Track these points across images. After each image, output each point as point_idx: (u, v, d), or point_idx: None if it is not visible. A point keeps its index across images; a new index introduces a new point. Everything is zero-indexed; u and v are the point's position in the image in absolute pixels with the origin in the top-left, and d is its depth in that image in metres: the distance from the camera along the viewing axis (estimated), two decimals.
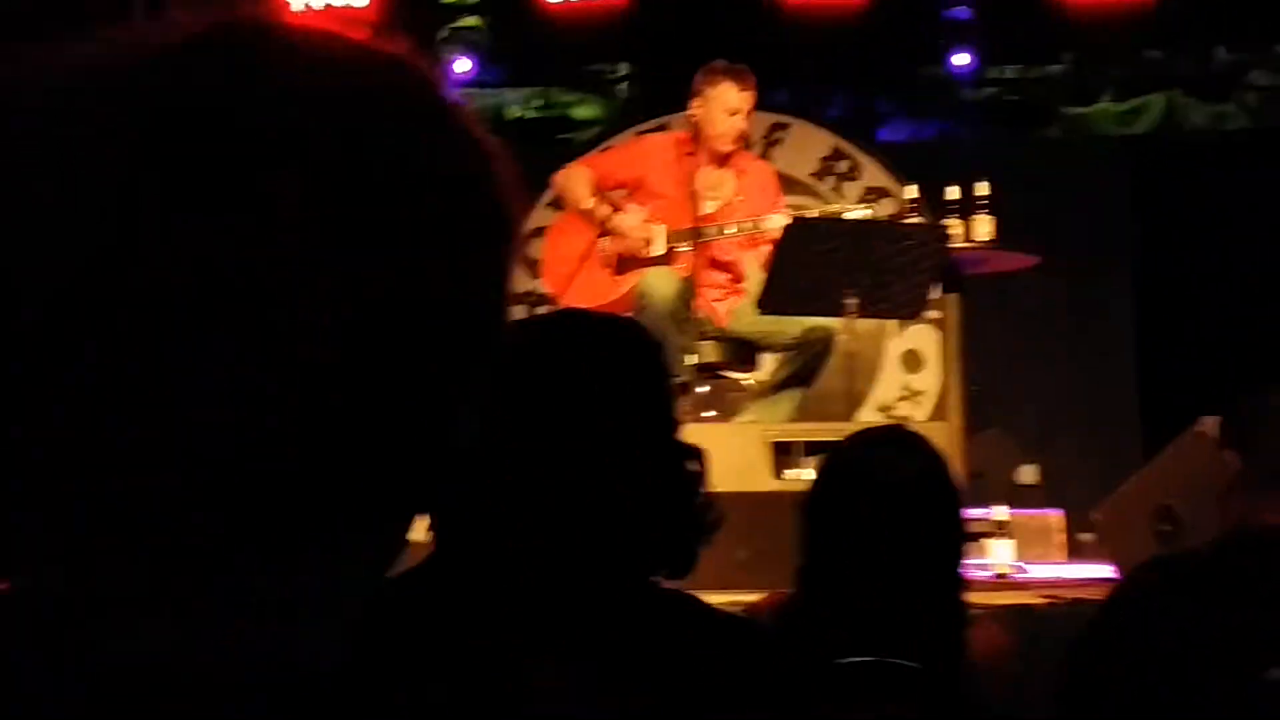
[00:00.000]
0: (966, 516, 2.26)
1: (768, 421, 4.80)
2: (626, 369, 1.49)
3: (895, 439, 2.30)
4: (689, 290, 4.92)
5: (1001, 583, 4.16)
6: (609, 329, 1.55)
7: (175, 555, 0.61)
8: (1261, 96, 7.01)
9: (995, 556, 4.28)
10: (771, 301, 4.79)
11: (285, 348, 0.61)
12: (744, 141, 5.20)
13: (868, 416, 6.24)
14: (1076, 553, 5.02)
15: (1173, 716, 2.05)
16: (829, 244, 4.66)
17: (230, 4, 0.66)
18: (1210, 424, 2.48)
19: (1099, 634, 2.21)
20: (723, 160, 5.13)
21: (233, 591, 0.62)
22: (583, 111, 7.18)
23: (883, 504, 2.11)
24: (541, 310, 5.02)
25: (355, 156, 0.63)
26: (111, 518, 0.61)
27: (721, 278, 5.19)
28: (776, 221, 4.89)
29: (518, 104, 7.19)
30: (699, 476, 1.49)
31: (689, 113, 5.13)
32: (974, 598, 3.50)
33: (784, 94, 7.05)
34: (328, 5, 6.47)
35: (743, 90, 5.02)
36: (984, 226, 4.97)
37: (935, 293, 5.03)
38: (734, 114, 5.02)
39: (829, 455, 2.26)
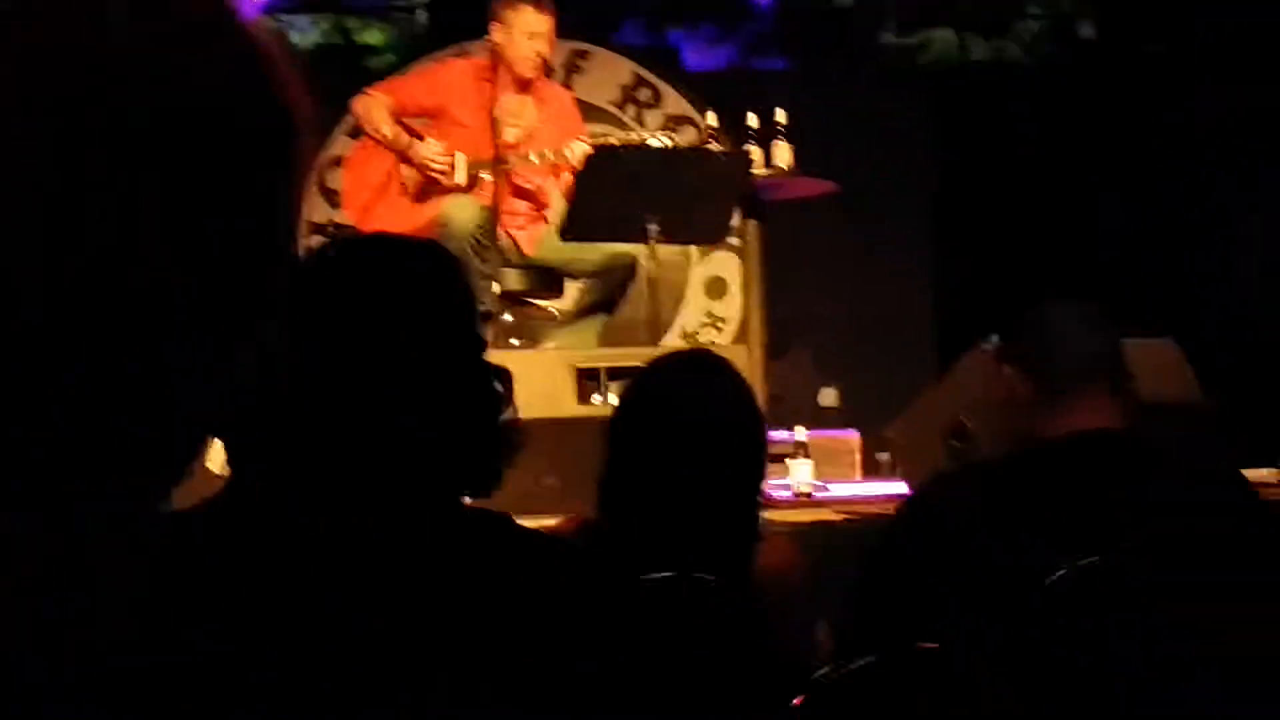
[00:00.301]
0: (767, 438, 2.32)
1: (572, 348, 4.82)
2: (427, 288, 1.49)
3: (698, 362, 2.35)
4: (491, 218, 4.90)
5: (801, 501, 4.27)
6: (408, 249, 1.55)
7: None
8: (1037, 30, 7.24)
9: (795, 476, 4.38)
10: (574, 228, 4.81)
11: (71, 255, 0.60)
12: (545, 68, 5.18)
13: (672, 343, 6.31)
14: (874, 472, 5.18)
15: (961, 623, 2.13)
16: (631, 171, 4.69)
17: None
18: (995, 342, 2.58)
19: (889, 544, 2.28)
20: (524, 87, 5.10)
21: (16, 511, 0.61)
22: (375, 38, 7.07)
23: (684, 423, 2.15)
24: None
25: (134, 68, 0.62)
26: None
27: (524, 205, 5.18)
28: (578, 149, 4.90)
29: (310, 30, 7.05)
30: (502, 396, 1.50)
31: (489, 38, 5.09)
32: (774, 516, 3.62)
33: (583, 22, 7.03)
34: None
35: (541, 14, 5.00)
36: (783, 154, 5.05)
37: (736, 220, 5.10)
38: (534, 38, 4.99)
39: (633, 378, 2.30)
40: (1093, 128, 6.70)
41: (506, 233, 5.04)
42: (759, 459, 2.27)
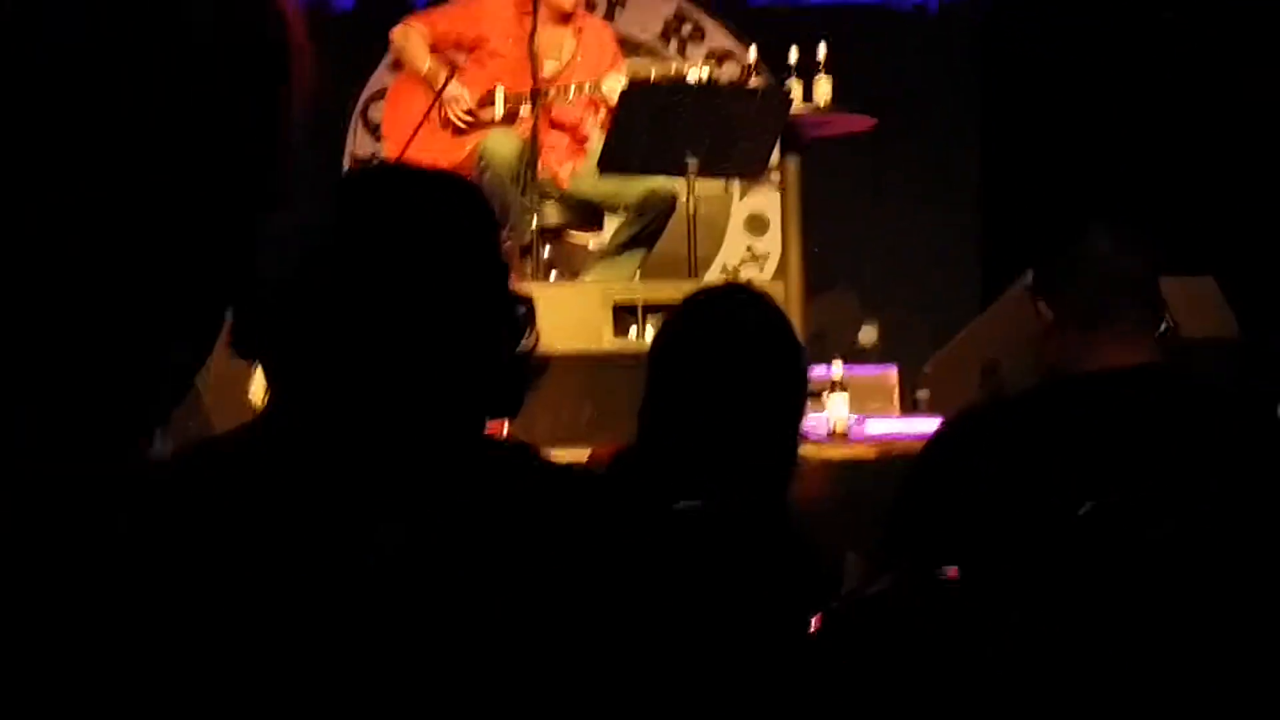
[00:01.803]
0: (806, 371, 2.32)
1: (611, 282, 4.83)
2: (446, 217, 1.51)
3: (736, 294, 2.35)
4: (530, 152, 4.90)
5: (836, 437, 4.28)
6: (428, 179, 1.57)
7: None
8: None
9: (831, 412, 4.39)
10: (612, 162, 4.80)
11: (73, 181, 0.62)
12: (586, 2, 5.16)
13: (712, 279, 6.31)
14: (912, 409, 5.17)
15: (989, 555, 2.15)
16: (669, 105, 4.68)
17: None
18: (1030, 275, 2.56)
19: (917, 475, 2.29)
20: (563, 19, 5.09)
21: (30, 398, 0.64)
22: None
23: (723, 355, 2.16)
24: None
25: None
26: None
27: (563, 139, 5.17)
28: (616, 82, 4.89)
29: None
30: (525, 323, 1.52)
31: None
32: (809, 451, 3.64)
33: None
34: None
35: None
36: (824, 89, 5.02)
37: (776, 155, 5.08)
38: None
39: (674, 309, 2.30)
40: (1143, 57, 6.60)
41: (546, 166, 5.04)
42: (798, 392, 2.27)
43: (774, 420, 2.21)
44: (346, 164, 6.79)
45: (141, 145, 0.65)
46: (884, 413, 4.98)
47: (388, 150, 5.39)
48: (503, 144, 4.91)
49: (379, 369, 1.45)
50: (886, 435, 4.33)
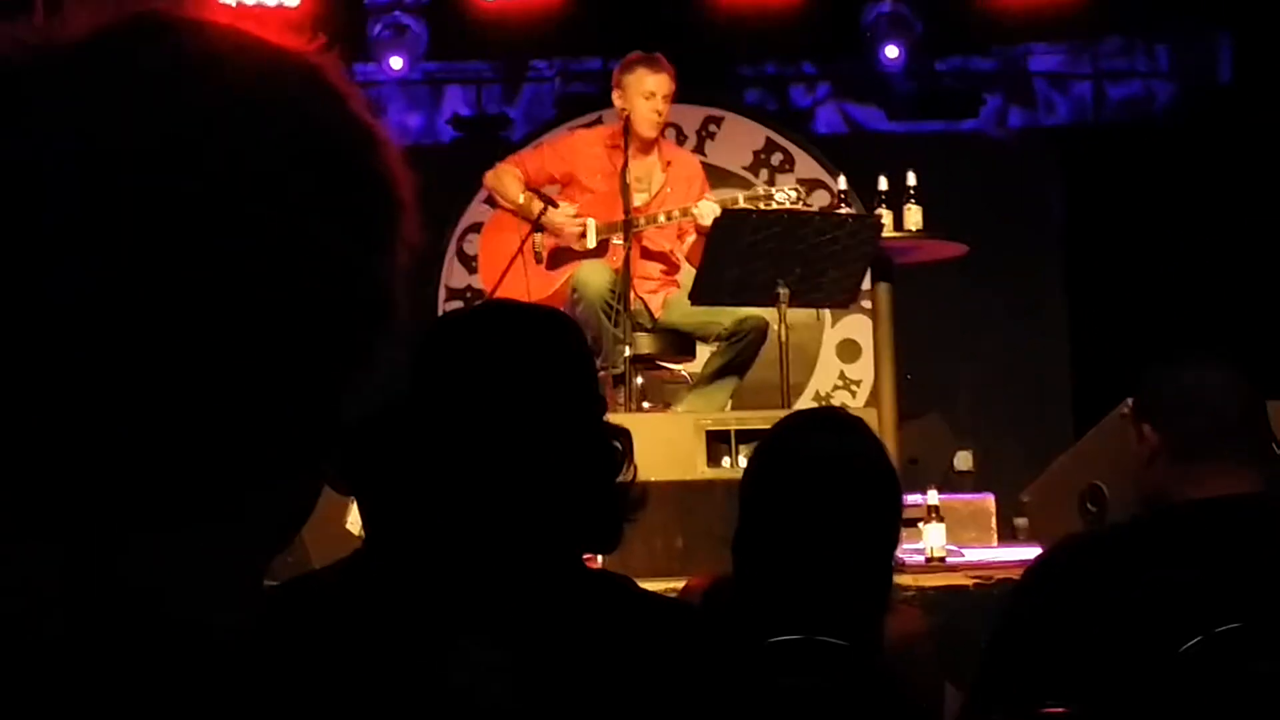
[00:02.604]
0: (902, 499, 2.28)
1: (704, 411, 4.84)
2: (547, 353, 1.53)
3: (831, 420, 2.32)
4: (623, 283, 4.95)
5: (933, 565, 4.22)
6: (528, 315, 1.59)
7: (64, 529, 0.64)
8: (1182, 87, 7.14)
9: (928, 540, 4.33)
10: (704, 292, 4.84)
11: (171, 317, 0.64)
12: (664, 127, 5.22)
13: (804, 405, 6.30)
14: (1009, 537, 5.10)
15: (1091, 692, 2.10)
16: (760, 235, 4.71)
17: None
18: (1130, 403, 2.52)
19: (1017, 606, 2.25)
20: (649, 149, 5.16)
21: (126, 552, 0.65)
22: (514, 109, 7.21)
23: (817, 483, 2.12)
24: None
25: (247, 145, 0.66)
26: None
27: (655, 269, 5.23)
28: (706, 209, 4.94)
29: (456, 100, 7.21)
30: (622, 455, 1.52)
31: (614, 107, 5.17)
32: (906, 580, 3.59)
33: (718, 89, 7.11)
34: (259, 4, 6.45)
35: (656, 74, 5.07)
36: (914, 216, 5.04)
37: (867, 283, 5.09)
38: (650, 98, 5.06)
39: (766, 436, 2.28)
40: (1229, 181, 6.57)
41: (638, 296, 5.09)
42: (893, 521, 2.23)
43: (869, 550, 2.17)
44: (441, 295, 6.90)
45: (256, 303, 0.66)
46: (981, 542, 4.92)
47: (482, 282, 5.47)
48: (595, 275, 4.97)
49: (476, 503, 1.46)
50: (983, 563, 4.26)
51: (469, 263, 6.77)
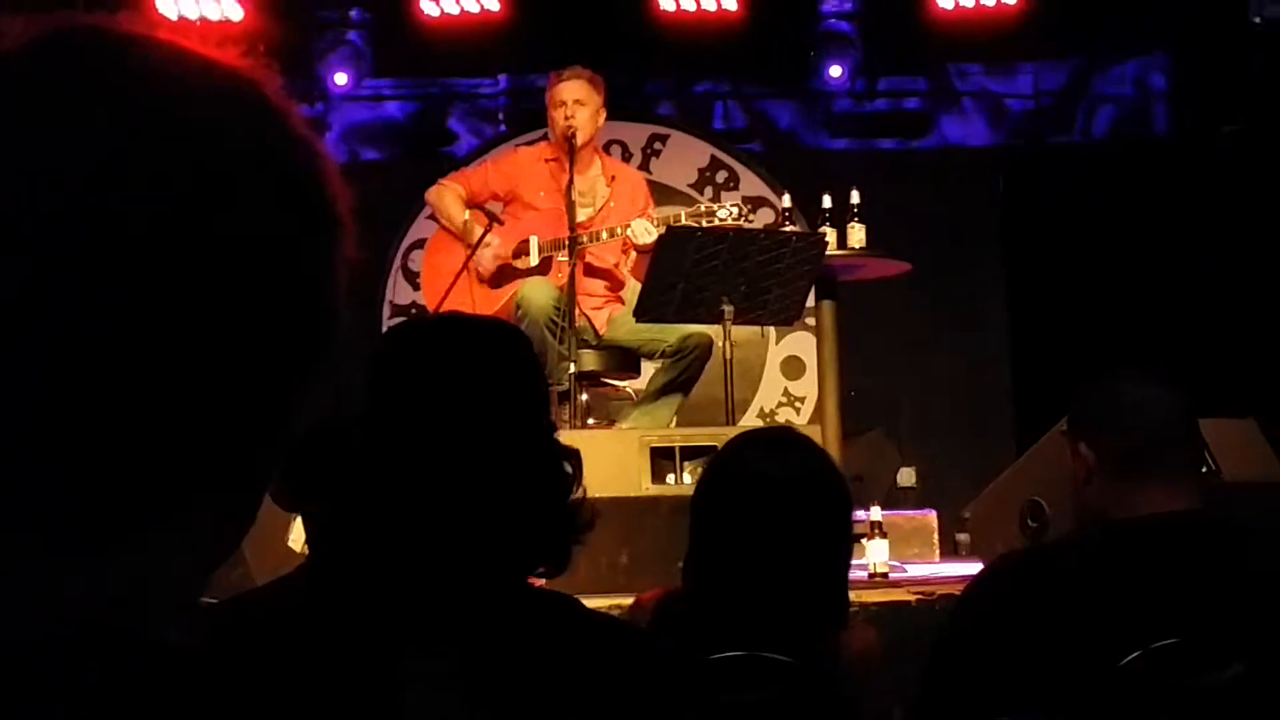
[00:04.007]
0: (852, 516, 2.28)
1: (648, 428, 4.84)
2: (499, 370, 1.52)
3: (783, 439, 2.32)
4: (567, 299, 4.96)
5: (877, 581, 4.25)
6: (477, 330, 1.58)
7: (11, 537, 0.64)
8: (1117, 109, 7.24)
9: (871, 556, 4.36)
10: (648, 309, 4.85)
11: (114, 331, 0.64)
12: (591, 138, 5.18)
13: (749, 423, 6.32)
14: (952, 552, 5.13)
15: (1028, 704, 2.11)
16: (704, 252, 4.73)
17: (102, 8, 0.70)
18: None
19: (956, 623, 2.26)
20: (591, 164, 5.17)
21: (69, 567, 0.65)
22: (459, 124, 7.21)
23: (767, 500, 2.12)
24: None
25: (181, 160, 0.67)
26: None
27: (599, 285, 5.23)
28: (639, 228, 4.95)
29: (398, 114, 7.20)
30: (572, 476, 1.52)
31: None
32: (850, 595, 3.59)
33: (665, 105, 7.14)
34: (202, 19, 6.42)
35: (561, 82, 5.09)
36: (858, 235, 5.07)
37: (811, 300, 5.12)
38: (559, 106, 5.06)
39: (717, 454, 2.27)
40: (1167, 198, 6.67)
41: (583, 313, 5.09)
42: (845, 538, 2.23)
43: (822, 567, 2.17)
44: (386, 311, 6.88)
45: (194, 318, 0.67)
46: (924, 558, 4.95)
47: (425, 300, 5.46)
48: (539, 292, 4.96)
49: (425, 520, 1.45)
50: (926, 578, 4.29)
51: (413, 279, 6.76)
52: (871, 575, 4.28)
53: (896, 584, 4.21)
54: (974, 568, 4.16)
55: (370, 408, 1.48)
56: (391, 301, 6.93)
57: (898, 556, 4.58)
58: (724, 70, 7.17)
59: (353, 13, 6.91)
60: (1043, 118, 7.23)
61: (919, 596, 3.83)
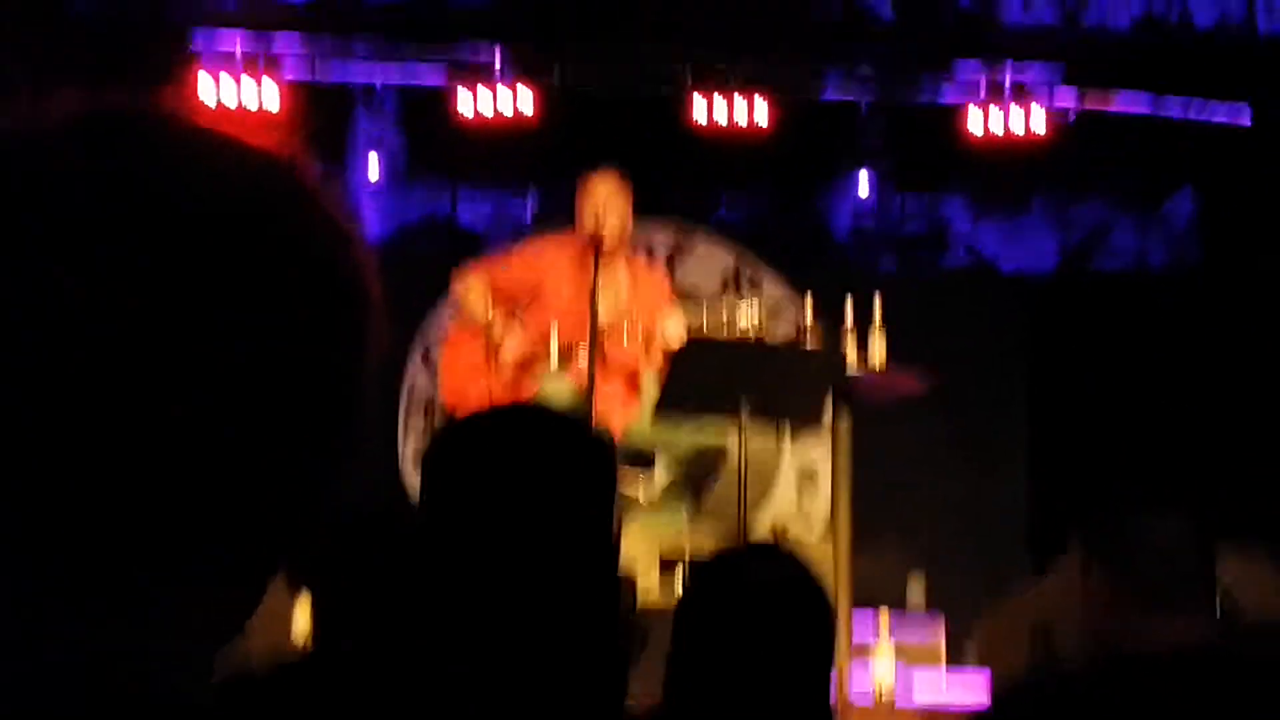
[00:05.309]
0: (833, 636, 2.25)
1: (658, 532, 4.83)
2: (571, 480, 1.40)
3: (766, 553, 2.30)
4: (586, 400, 4.95)
5: (881, 706, 4.19)
6: (556, 429, 1.44)
7: (21, 607, 0.65)
8: (1142, 244, 7.28)
9: (878, 670, 4.31)
10: (665, 404, 4.83)
11: (141, 403, 0.65)
12: (620, 240, 5.20)
13: (760, 531, 6.29)
14: (958, 660, 5.09)
15: None
16: (724, 361, 4.74)
17: (144, 92, 0.72)
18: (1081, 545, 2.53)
19: None
20: (616, 263, 5.18)
21: (83, 637, 0.65)
22: (486, 221, 7.27)
23: (748, 614, 2.11)
24: (440, 419, 5.03)
25: (218, 241, 0.68)
26: None
27: (619, 387, 5.23)
28: (672, 328, 4.96)
29: (430, 210, 7.27)
30: (629, 608, 1.43)
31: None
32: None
33: (692, 210, 7.21)
34: (240, 107, 6.51)
35: (601, 185, 5.10)
36: (878, 351, 5.08)
37: (828, 413, 5.12)
38: (596, 210, 5.07)
39: (700, 567, 2.25)
40: (1190, 329, 6.68)
41: (600, 415, 5.08)
42: (824, 653, 2.20)
43: (800, 684, 2.14)
44: (403, 399, 6.90)
45: (227, 399, 0.67)
46: (931, 664, 4.90)
47: (444, 396, 5.46)
48: (559, 392, 4.97)
49: (464, 634, 1.35)
50: (933, 705, 4.24)
51: (435, 374, 6.78)
52: (877, 701, 4.23)
53: (902, 712, 4.15)
54: (978, 677, 4.13)
55: (426, 501, 1.39)
56: (410, 387, 6.95)
57: (905, 663, 4.53)
58: (752, 177, 7.23)
59: (387, 106, 7.00)
60: (1070, 246, 7.26)
61: None
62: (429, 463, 1.42)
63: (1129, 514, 2.34)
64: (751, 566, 2.17)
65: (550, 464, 1.42)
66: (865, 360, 5.06)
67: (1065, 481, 6.49)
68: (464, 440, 1.48)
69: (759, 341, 4.89)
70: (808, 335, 5.24)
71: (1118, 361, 6.80)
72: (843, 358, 4.97)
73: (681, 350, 4.82)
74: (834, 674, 2.21)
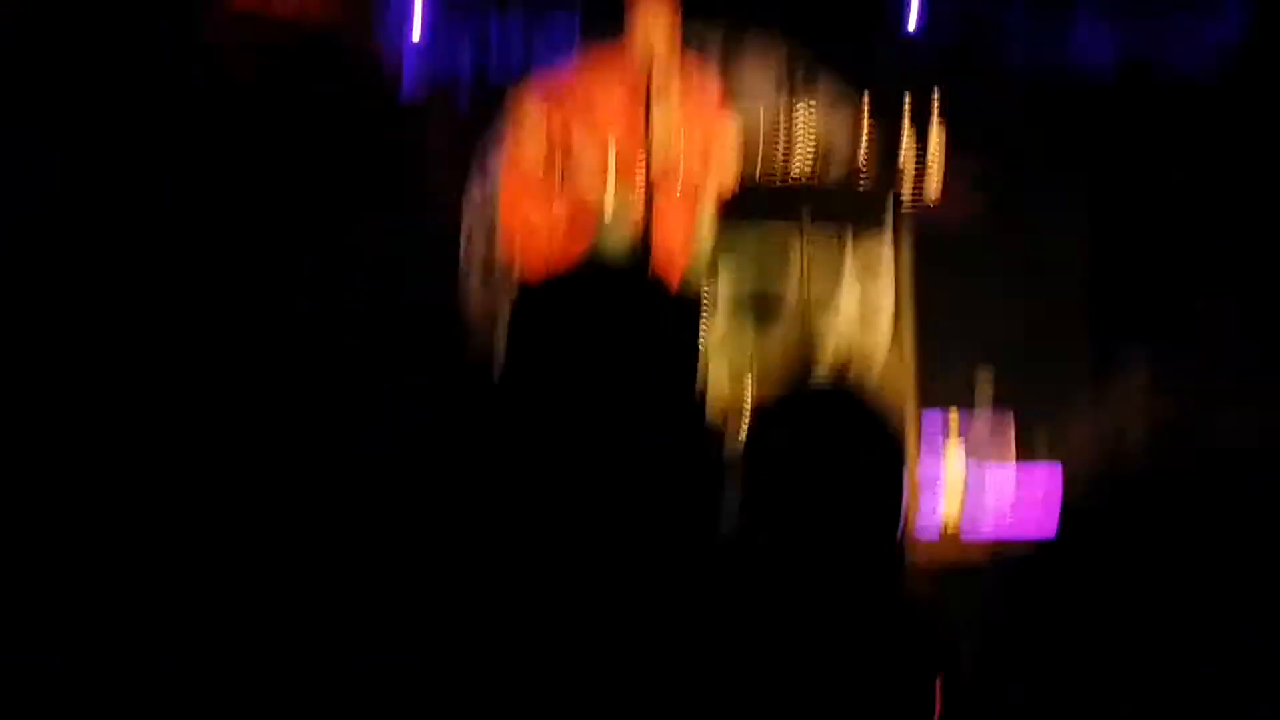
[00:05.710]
0: (904, 479, 2.27)
1: (725, 351, 4.90)
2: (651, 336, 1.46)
3: (836, 393, 2.30)
4: (644, 221, 4.96)
5: (948, 538, 4.28)
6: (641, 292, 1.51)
7: None
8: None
9: (948, 480, 4.40)
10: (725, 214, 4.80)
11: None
12: (671, 49, 5.14)
13: (826, 340, 6.34)
14: (1028, 457, 5.18)
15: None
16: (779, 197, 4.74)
17: None
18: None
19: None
20: (664, 76, 5.12)
21: None
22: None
23: (815, 464, 2.13)
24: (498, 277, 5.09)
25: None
26: None
27: (677, 203, 5.20)
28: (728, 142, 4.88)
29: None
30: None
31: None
32: (920, 553, 3.64)
33: (741, 8, 7.06)
34: None
35: (652, 7, 5.02)
36: (933, 180, 5.05)
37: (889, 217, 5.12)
38: (646, 22, 5.02)
39: (764, 406, 2.26)
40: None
41: (658, 263, 5.09)
42: (895, 495, 2.24)
43: (871, 526, 2.21)
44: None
45: None
46: (1001, 458, 5.00)
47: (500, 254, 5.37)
48: (616, 243, 4.97)
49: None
50: (998, 535, 4.33)
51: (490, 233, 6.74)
52: (942, 534, 4.33)
53: (967, 546, 4.24)
54: (1051, 471, 4.18)
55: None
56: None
57: (975, 458, 4.63)
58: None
59: None
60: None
61: (991, 556, 3.87)
62: (514, 326, 1.45)
63: (1199, 307, 2.27)
64: (819, 413, 2.19)
65: (632, 320, 1.46)
66: (920, 188, 5.04)
67: (1131, 272, 6.45)
68: (546, 303, 1.55)
69: (812, 189, 4.89)
70: (864, 141, 5.20)
71: (1183, 162, 6.68)
72: (899, 194, 4.96)
73: (735, 198, 4.82)
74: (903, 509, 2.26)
